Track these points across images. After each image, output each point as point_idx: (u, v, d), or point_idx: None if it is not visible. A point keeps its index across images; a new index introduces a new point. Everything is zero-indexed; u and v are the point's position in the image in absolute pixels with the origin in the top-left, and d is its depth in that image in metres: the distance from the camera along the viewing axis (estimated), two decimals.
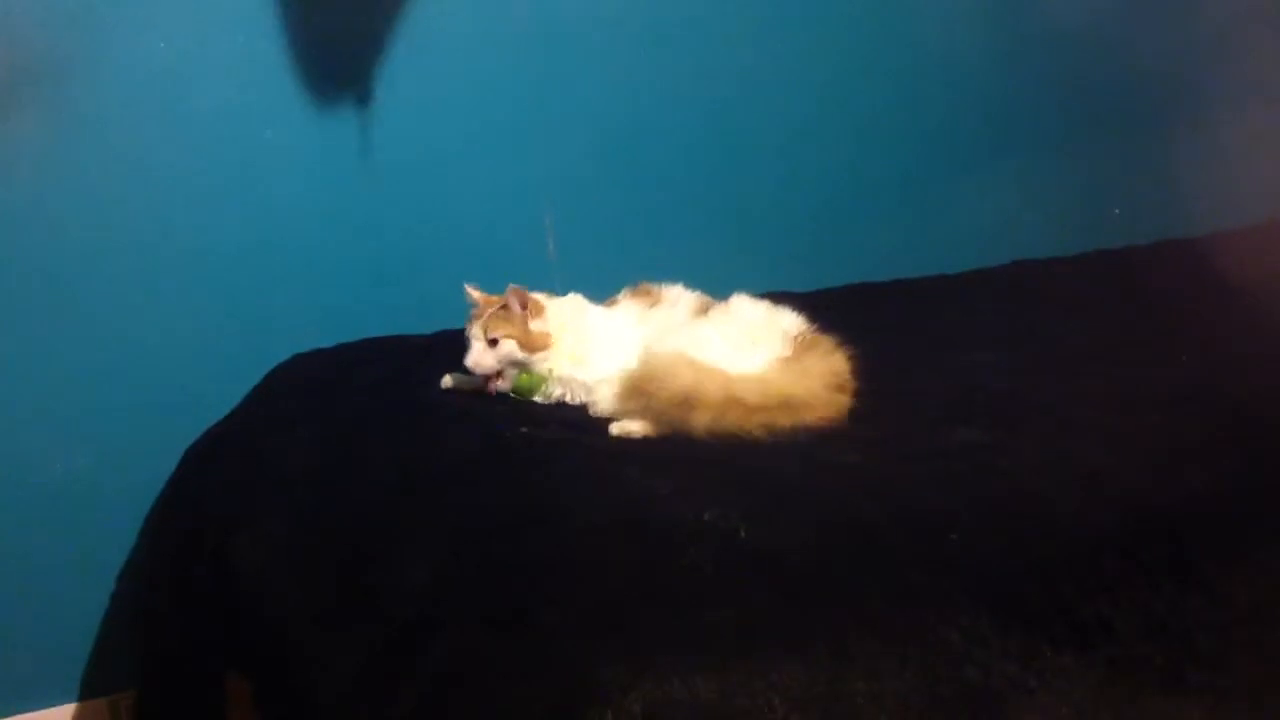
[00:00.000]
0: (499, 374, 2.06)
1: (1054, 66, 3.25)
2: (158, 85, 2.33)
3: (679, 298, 2.14)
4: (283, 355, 2.38)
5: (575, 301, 2.14)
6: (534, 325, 2.05)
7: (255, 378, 2.34)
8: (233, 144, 2.41)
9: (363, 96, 2.51)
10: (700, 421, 1.84)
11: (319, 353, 2.38)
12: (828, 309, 2.15)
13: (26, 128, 2.23)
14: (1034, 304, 2.74)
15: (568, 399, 2.06)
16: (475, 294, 2.10)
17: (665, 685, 1.23)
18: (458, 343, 2.11)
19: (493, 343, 2.03)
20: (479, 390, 2.10)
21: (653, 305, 2.14)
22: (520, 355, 2.04)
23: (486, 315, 2.04)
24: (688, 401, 1.86)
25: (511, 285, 2.03)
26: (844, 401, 1.95)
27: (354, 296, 2.56)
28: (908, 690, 1.28)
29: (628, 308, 2.14)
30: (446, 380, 2.16)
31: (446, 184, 2.65)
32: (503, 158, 2.70)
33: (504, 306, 2.05)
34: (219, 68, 2.39)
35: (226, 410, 2.30)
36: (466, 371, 2.11)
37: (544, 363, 2.06)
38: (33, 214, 2.26)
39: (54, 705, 2.44)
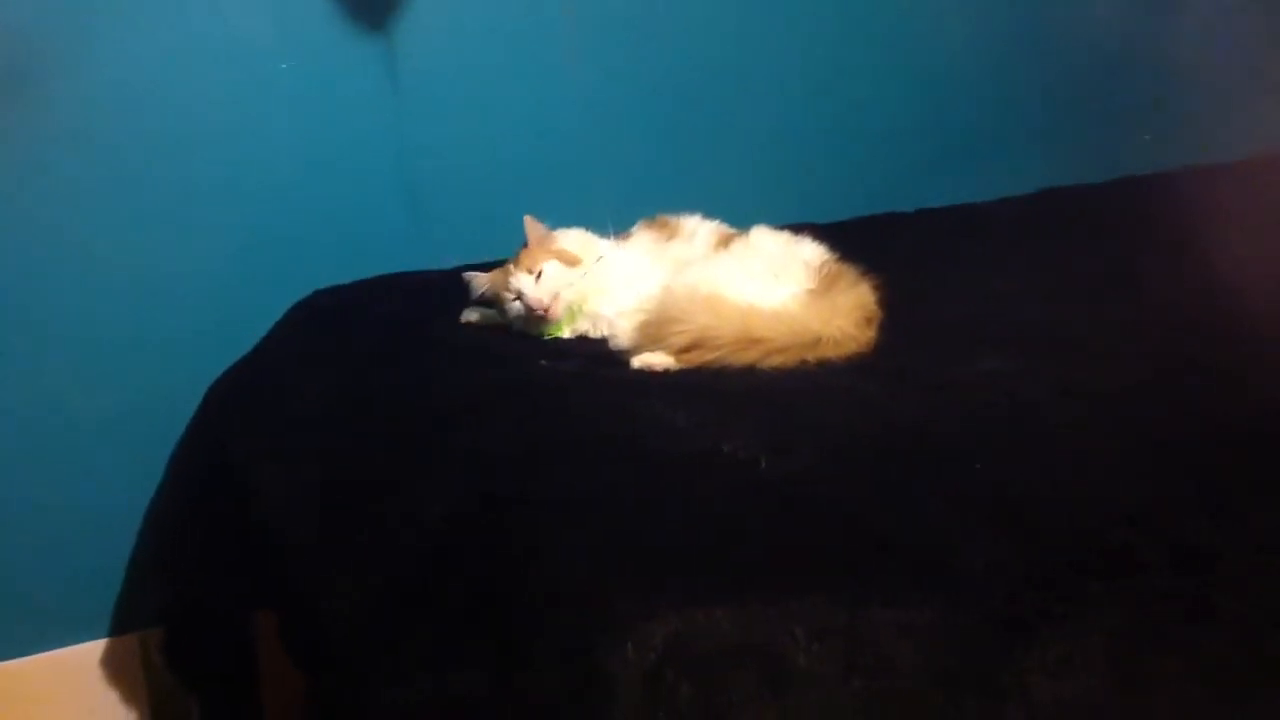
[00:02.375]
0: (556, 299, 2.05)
1: None
2: (174, 15, 2.31)
3: (697, 229, 2.13)
4: (305, 291, 2.37)
5: (580, 235, 2.13)
6: (556, 246, 2.06)
7: (278, 314, 2.33)
8: (252, 77, 2.38)
9: (386, 23, 2.49)
10: (716, 360, 1.84)
11: (338, 289, 2.36)
12: (851, 239, 2.13)
13: (48, 64, 2.22)
14: (1061, 232, 2.71)
15: (589, 332, 2.05)
16: (479, 276, 2.11)
17: (686, 616, 1.23)
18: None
19: (539, 275, 2.02)
20: (499, 325, 2.10)
21: (670, 237, 2.12)
22: (566, 274, 2.03)
23: (513, 263, 2.04)
24: (703, 343, 1.85)
25: (527, 216, 2.03)
26: (871, 336, 1.93)
27: (375, 232, 2.55)
28: (931, 620, 1.27)
29: (644, 240, 2.12)
30: (466, 315, 2.15)
31: (471, 115, 2.62)
32: (519, 86, 2.67)
33: (524, 246, 2.05)
34: None
35: (250, 347, 2.30)
36: (487, 306, 2.11)
37: (581, 280, 2.05)
38: (50, 148, 2.24)
39: (84, 641, 2.46)
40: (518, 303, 2.04)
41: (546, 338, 2.05)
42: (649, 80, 2.78)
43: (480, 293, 2.10)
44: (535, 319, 2.05)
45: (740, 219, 2.15)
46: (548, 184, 2.65)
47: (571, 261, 2.04)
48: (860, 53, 3.01)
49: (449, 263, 2.40)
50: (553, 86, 2.70)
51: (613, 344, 1.99)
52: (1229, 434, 1.62)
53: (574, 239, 2.10)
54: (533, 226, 2.05)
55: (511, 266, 2.04)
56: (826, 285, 1.96)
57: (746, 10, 2.86)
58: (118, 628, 2.49)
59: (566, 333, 2.06)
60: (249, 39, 2.37)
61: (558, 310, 2.03)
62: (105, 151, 2.28)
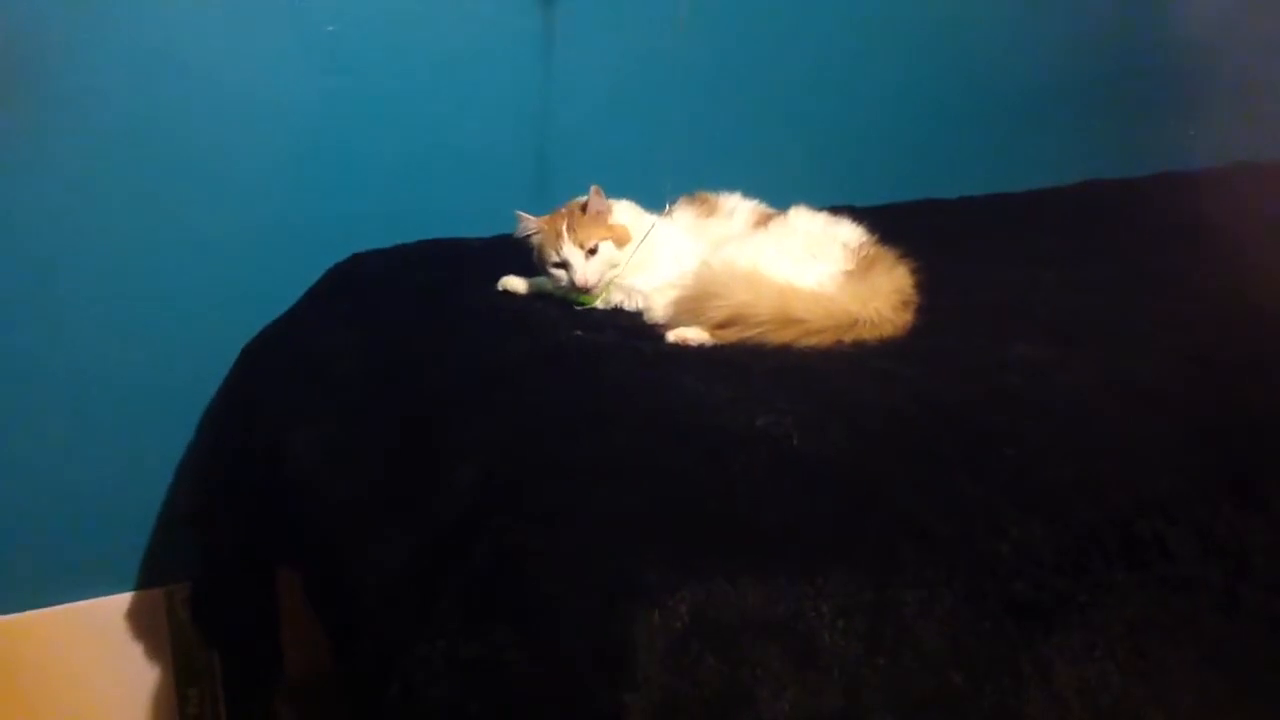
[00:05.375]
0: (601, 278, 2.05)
1: None
2: None
3: (736, 207, 2.12)
4: (343, 254, 2.37)
5: (629, 207, 2.12)
6: (611, 221, 2.05)
7: (315, 276, 2.34)
8: (297, 39, 2.39)
9: None
10: (752, 338, 1.84)
11: (376, 253, 2.36)
12: (890, 223, 2.12)
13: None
14: (1103, 224, 2.70)
15: (624, 305, 2.05)
16: (530, 219, 2.07)
17: (712, 588, 1.23)
18: (515, 247, 2.10)
19: (591, 251, 2.01)
20: (536, 294, 2.10)
21: (709, 214, 2.12)
22: (617, 255, 2.02)
23: (567, 226, 2.01)
24: (740, 320, 1.85)
25: (594, 186, 2.02)
26: (907, 320, 1.93)
27: (414, 197, 2.55)
28: (956, 601, 1.27)
29: (684, 216, 2.12)
30: (504, 283, 2.15)
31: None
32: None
33: (582, 209, 2.03)
34: None
35: (286, 309, 2.31)
36: (531, 274, 2.11)
37: (623, 259, 2.04)
38: (93, 101, 2.24)
39: (111, 594, 2.48)
40: (562, 271, 2.02)
41: (580, 307, 2.05)
42: (695, 63, 2.78)
43: (529, 234, 2.07)
44: (570, 292, 2.05)
45: (781, 199, 2.14)
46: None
47: (623, 241, 2.03)
48: (906, 38, 3.00)
49: (489, 230, 2.43)
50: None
51: (647, 317, 1.98)
52: (1264, 427, 1.61)
53: (624, 211, 2.09)
54: (597, 199, 2.02)
55: (565, 231, 2.01)
56: (864, 267, 1.95)
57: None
58: (144, 581, 2.51)
59: (600, 303, 2.06)
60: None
61: (599, 286, 2.04)
62: (133, 103, 2.28)
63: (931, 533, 1.34)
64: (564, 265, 2.02)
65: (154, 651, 2.53)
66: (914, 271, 1.98)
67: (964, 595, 1.28)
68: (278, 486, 1.97)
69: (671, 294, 1.96)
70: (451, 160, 2.57)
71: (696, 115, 2.80)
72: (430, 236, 2.44)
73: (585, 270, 2.00)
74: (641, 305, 2.03)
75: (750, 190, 2.17)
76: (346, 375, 1.98)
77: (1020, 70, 3.12)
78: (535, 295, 2.11)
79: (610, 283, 2.04)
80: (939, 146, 3.08)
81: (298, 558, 1.97)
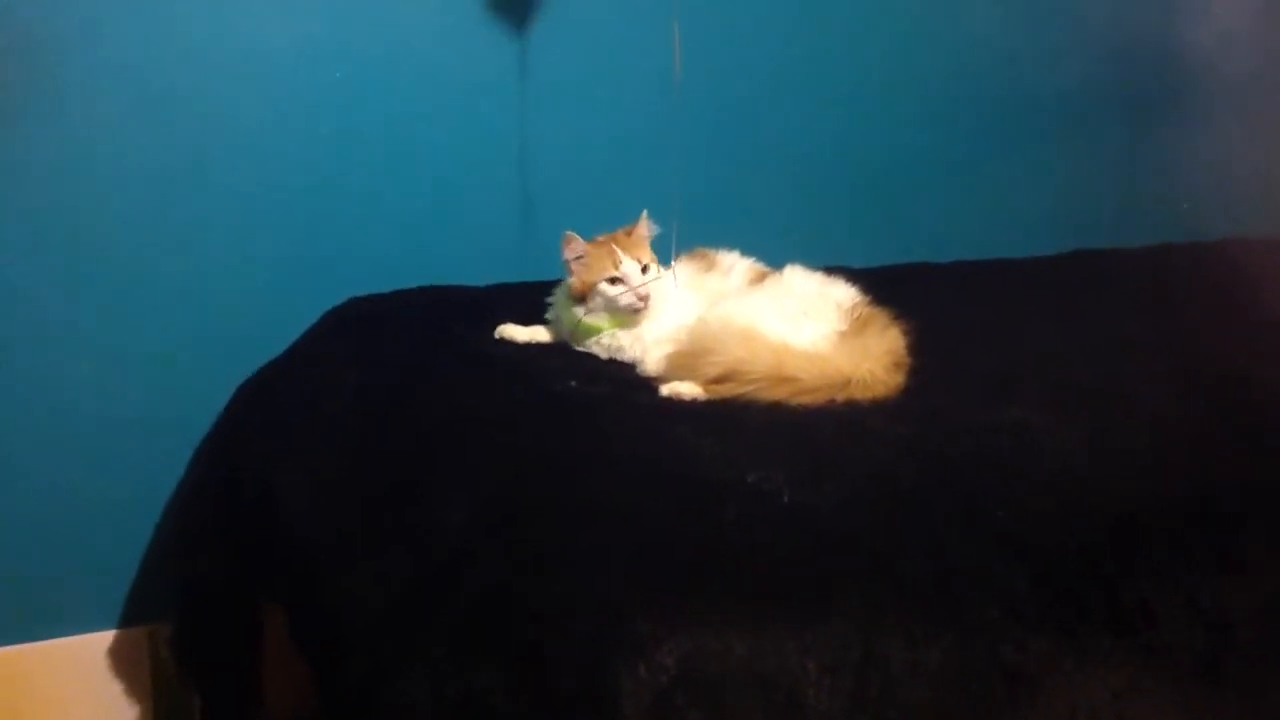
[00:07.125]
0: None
1: (1122, 50, 3.21)
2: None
3: (733, 265, 2.14)
4: (340, 298, 2.38)
5: None
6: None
7: (312, 319, 2.34)
8: (301, 82, 2.41)
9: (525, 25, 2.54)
10: (746, 395, 1.84)
11: (374, 297, 2.37)
12: (884, 285, 2.13)
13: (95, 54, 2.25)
14: (1094, 292, 2.71)
15: (624, 348, 2.05)
16: (579, 241, 2.06)
17: (700, 640, 1.23)
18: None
19: (644, 269, 2.03)
20: (532, 341, 2.11)
21: (708, 270, 2.13)
22: (659, 280, 2.05)
23: (620, 246, 2.04)
24: (734, 376, 1.86)
25: (644, 211, 2.06)
26: (900, 381, 1.94)
27: (412, 245, 2.57)
28: (942, 662, 1.27)
29: (683, 271, 2.13)
30: (501, 331, 2.16)
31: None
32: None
33: (627, 234, 2.07)
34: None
35: (282, 350, 2.31)
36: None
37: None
38: (85, 133, 2.26)
39: (92, 631, 2.46)
40: (617, 285, 2.02)
41: (588, 341, 2.07)
42: (686, 122, 2.78)
43: (578, 255, 2.06)
44: (623, 308, 2.04)
45: (774, 257, 2.16)
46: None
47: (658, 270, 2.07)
48: (902, 107, 3.03)
49: (485, 279, 2.44)
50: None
51: (640, 370, 1.99)
52: (1253, 494, 1.62)
53: None
54: (646, 225, 2.06)
55: (617, 249, 2.03)
56: (858, 328, 1.97)
57: (792, 59, 2.89)
58: (127, 620, 2.49)
59: (598, 349, 2.07)
60: (300, 45, 2.41)
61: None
62: (133, 141, 2.30)
63: (920, 592, 1.34)
64: (620, 280, 2.02)
65: (134, 691, 2.50)
66: (907, 333, 1.99)
67: (950, 655, 1.28)
68: (268, 522, 1.97)
69: (667, 348, 1.98)
70: (450, 211, 2.59)
71: (686, 172, 2.78)
72: (429, 283, 2.45)
73: (642, 281, 2.02)
74: (638, 355, 2.03)
75: (743, 247, 2.18)
76: (341, 415, 1.99)
77: (1016, 134, 3.14)
78: (533, 344, 2.12)
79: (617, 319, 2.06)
80: (934, 209, 3.09)
81: (283, 593, 1.97)
